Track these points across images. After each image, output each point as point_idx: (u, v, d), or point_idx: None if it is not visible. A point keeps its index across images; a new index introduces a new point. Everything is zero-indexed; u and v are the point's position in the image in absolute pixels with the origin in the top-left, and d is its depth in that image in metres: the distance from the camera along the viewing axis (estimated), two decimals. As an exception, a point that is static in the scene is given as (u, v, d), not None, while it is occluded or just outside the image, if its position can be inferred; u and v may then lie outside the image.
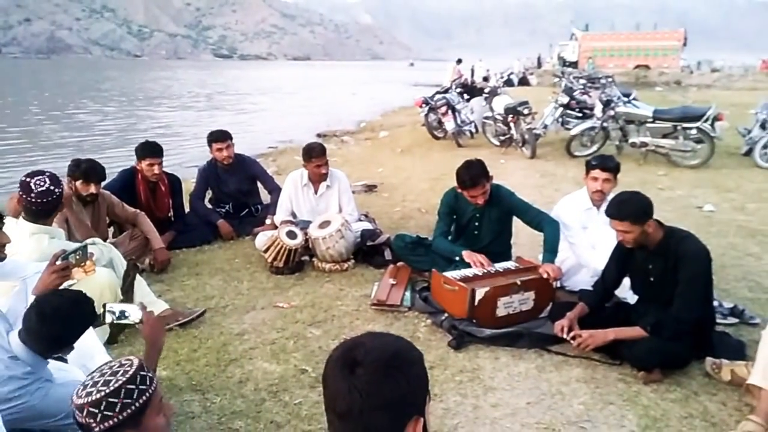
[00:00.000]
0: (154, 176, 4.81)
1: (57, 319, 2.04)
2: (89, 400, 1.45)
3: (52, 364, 2.45)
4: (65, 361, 2.68)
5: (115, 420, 1.46)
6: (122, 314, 2.44)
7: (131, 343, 3.36)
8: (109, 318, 2.41)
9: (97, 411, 1.45)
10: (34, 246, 3.14)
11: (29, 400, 1.99)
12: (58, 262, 2.58)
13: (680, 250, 2.94)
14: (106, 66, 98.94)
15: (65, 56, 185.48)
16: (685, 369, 2.98)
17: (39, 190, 3.09)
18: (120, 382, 1.48)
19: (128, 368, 1.52)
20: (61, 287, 2.56)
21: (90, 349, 2.73)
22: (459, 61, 20.85)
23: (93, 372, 1.53)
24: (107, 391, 1.46)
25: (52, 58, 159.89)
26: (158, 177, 4.85)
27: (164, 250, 4.49)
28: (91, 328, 2.79)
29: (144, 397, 1.51)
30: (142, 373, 1.53)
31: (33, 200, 3.09)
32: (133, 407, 1.48)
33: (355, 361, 1.06)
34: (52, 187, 3.12)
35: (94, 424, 1.45)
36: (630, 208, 2.96)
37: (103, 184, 4.24)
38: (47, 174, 3.17)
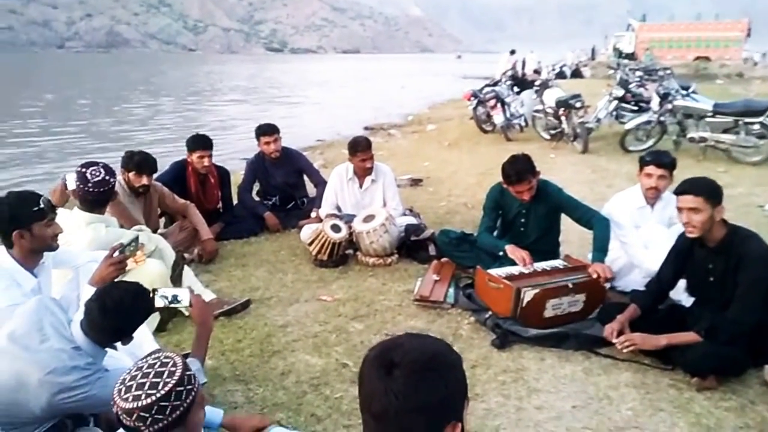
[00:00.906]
0: (204, 168, 4.90)
1: (118, 312, 2.10)
2: (139, 404, 1.46)
3: (103, 351, 2.53)
4: (115, 348, 2.76)
5: (165, 422, 1.48)
6: (174, 298, 2.49)
7: (179, 331, 3.44)
8: (161, 302, 2.47)
9: (147, 415, 1.46)
10: (93, 235, 3.25)
11: (90, 390, 2.05)
12: (116, 255, 2.67)
13: (743, 249, 2.79)
14: (163, 60, 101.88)
15: (123, 50, 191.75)
16: (742, 377, 2.84)
17: (95, 180, 3.20)
18: (170, 384, 1.49)
19: (173, 368, 1.53)
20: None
21: (138, 337, 2.81)
22: (512, 52, 20.50)
23: (132, 370, 1.54)
24: (158, 394, 1.47)
25: (111, 52, 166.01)
26: (208, 169, 4.95)
27: (212, 241, 4.58)
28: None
29: (191, 397, 1.53)
30: (188, 373, 1.55)
31: (90, 190, 3.21)
32: (182, 408, 1.50)
33: (392, 363, 1.04)
34: (107, 177, 3.24)
35: (143, 427, 1.47)
36: (705, 185, 2.83)
37: (154, 176, 4.35)
38: (101, 165, 3.28)
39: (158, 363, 1.54)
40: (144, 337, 2.83)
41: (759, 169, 7.84)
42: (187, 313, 3.46)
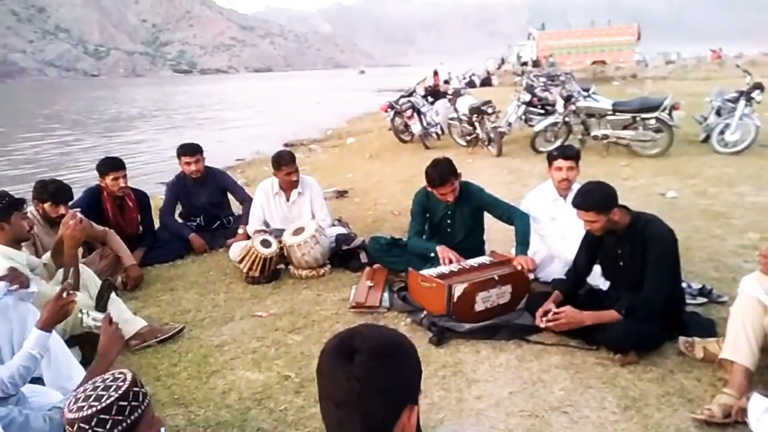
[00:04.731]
0: (120, 190, 4.72)
1: None
2: (80, 415, 1.40)
3: (28, 387, 2.40)
4: (43, 383, 2.63)
5: None
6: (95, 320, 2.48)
7: (109, 362, 3.30)
8: (90, 323, 2.43)
9: (87, 427, 1.40)
10: None
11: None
12: (65, 294, 2.54)
13: (647, 232, 3.04)
14: (63, 87, 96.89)
15: (20, 80, 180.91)
16: (660, 349, 3.06)
17: None
18: (112, 398, 1.43)
19: (121, 383, 1.47)
20: None
21: (68, 370, 2.69)
22: (441, 63, 21.32)
23: (87, 384, 1.49)
24: (99, 407, 1.41)
25: (7, 83, 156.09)
26: (125, 191, 4.77)
27: (136, 267, 4.43)
28: (67, 348, 2.76)
29: (136, 414, 1.46)
30: (135, 389, 1.49)
31: None
32: (124, 424, 1.44)
33: (353, 349, 1.07)
34: None
35: None
36: (594, 199, 3.05)
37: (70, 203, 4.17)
38: None
39: (110, 377, 1.49)
40: (74, 369, 2.72)
41: (658, 161, 8.46)
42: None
